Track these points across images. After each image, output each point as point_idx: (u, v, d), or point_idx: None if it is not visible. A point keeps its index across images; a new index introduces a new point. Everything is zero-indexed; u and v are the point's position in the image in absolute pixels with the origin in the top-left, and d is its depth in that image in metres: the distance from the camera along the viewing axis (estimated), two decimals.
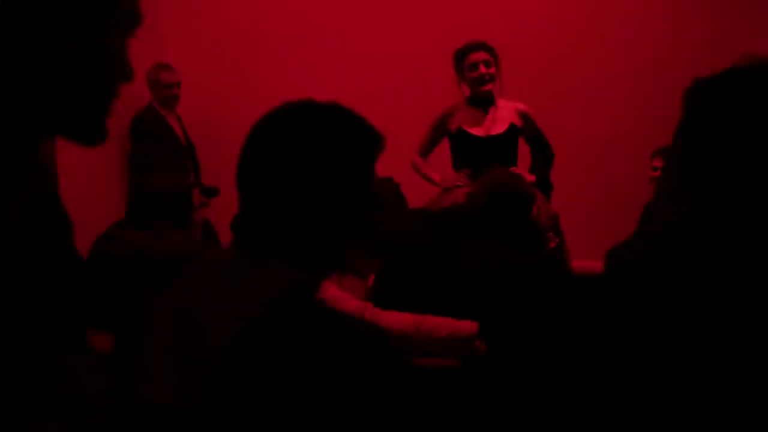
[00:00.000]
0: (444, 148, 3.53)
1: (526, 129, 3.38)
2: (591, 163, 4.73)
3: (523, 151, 3.48)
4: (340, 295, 1.92)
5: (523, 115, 3.37)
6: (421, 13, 4.80)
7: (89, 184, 3.59)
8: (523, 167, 3.40)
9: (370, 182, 0.95)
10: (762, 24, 4.59)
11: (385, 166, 3.35)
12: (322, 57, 4.76)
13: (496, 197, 2.06)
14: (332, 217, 0.90)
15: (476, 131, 3.31)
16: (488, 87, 3.27)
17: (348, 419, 0.75)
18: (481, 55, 3.24)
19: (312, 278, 0.90)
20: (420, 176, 3.47)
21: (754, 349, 0.80)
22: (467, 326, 1.74)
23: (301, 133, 0.90)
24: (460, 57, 3.30)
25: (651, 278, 0.86)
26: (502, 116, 3.33)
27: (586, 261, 2.32)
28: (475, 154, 3.29)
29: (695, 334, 0.82)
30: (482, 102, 3.31)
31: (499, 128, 3.30)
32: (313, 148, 0.89)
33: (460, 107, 3.36)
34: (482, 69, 3.23)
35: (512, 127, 3.32)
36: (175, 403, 0.79)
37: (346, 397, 0.74)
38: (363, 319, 1.62)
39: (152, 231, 2.07)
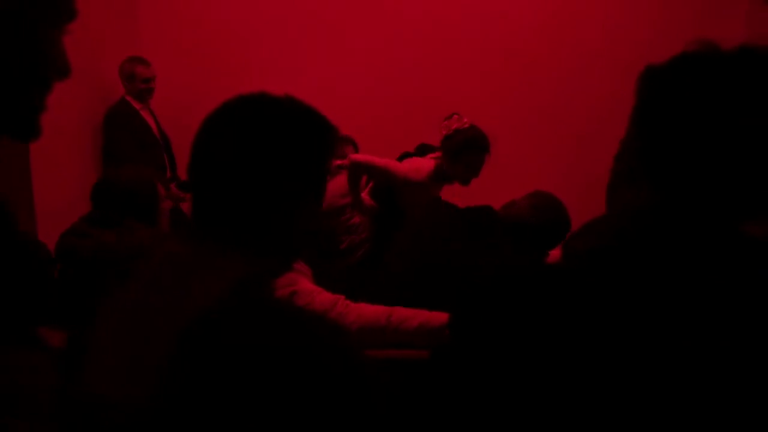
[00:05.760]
0: None
1: None
2: (574, 158, 4.74)
3: None
4: (313, 287, 1.91)
5: None
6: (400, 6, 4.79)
7: (63, 178, 3.55)
8: None
9: (322, 175, 0.94)
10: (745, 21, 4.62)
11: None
12: (300, 51, 4.74)
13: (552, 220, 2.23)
14: (284, 211, 0.89)
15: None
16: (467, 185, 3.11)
17: (301, 414, 0.74)
18: (484, 159, 3.01)
19: (263, 271, 0.89)
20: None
21: (714, 329, 0.80)
22: (438, 317, 1.73)
23: (252, 126, 0.88)
24: (465, 150, 2.98)
25: (610, 265, 0.86)
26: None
27: None
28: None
29: (657, 317, 0.83)
30: (447, 182, 3.16)
31: None
32: (265, 141, 0.87)
33: (432, 183, 3.11)
34: (476, 173, 3.03)
35: None
36: (122, 396, 0.77)
37: (295, 391, 0.73)
38: (315, 311, 1.62)
39: (117, 227, 2.03)
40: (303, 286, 1.88)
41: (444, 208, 2.29)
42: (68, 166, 3.68)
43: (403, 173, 3.11)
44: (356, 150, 3.88)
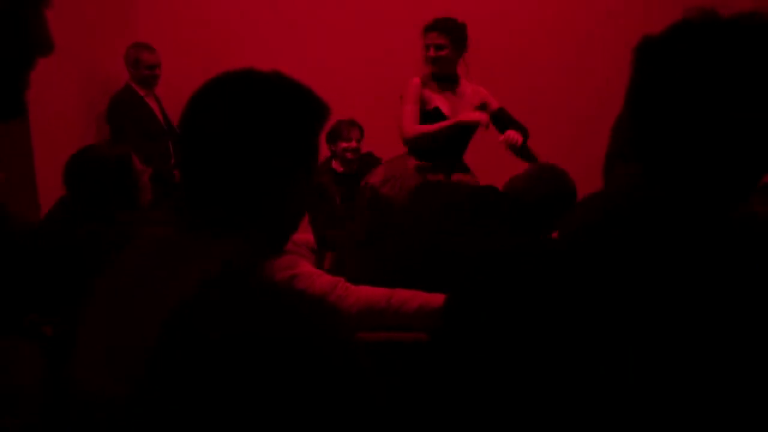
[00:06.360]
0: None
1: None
2: (578, 140, 4.69)
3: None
4: (313, 270, 1.91)
5: (483, 103, 3.34)
6: None
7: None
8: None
9: (312, 151, 0.92)
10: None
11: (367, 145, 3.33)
12: (302, 36, 4.71)
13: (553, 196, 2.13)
14: (274, 188, 0.88)
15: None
16: (437, 70, 3.19)
17: (288, 402, 0.72)
18: (433, 38, 3.13)
19: (253, 253, 0.88)
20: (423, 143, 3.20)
21: (708, 310, 0.78)
22: (437, 299, 1.72)
23: (240, 101, 0.87)
24: (422, 34, 3.20)
25: (602, 243, 0.84)
26: (468, 104, 3.29)
27: None
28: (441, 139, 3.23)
29: (649, 296, 0.81)
30: (443, 80, 3.23)
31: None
32: (252, 115, 0.86)
33: (428, 83, 3.23)
34: (431, 52, 3.15)
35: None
36: (107, 389, 0.76)
37: (284, 378, 0.71)
38: (313, 295, 1.61)
39: (104, 214, 1.99)
40: (303, 269, 1.88)
41: (445, 188, 2.27)
42: (71, 152, 3.68)
43: (410, 94, 3.19)
44: (362, 134, 3.84)
